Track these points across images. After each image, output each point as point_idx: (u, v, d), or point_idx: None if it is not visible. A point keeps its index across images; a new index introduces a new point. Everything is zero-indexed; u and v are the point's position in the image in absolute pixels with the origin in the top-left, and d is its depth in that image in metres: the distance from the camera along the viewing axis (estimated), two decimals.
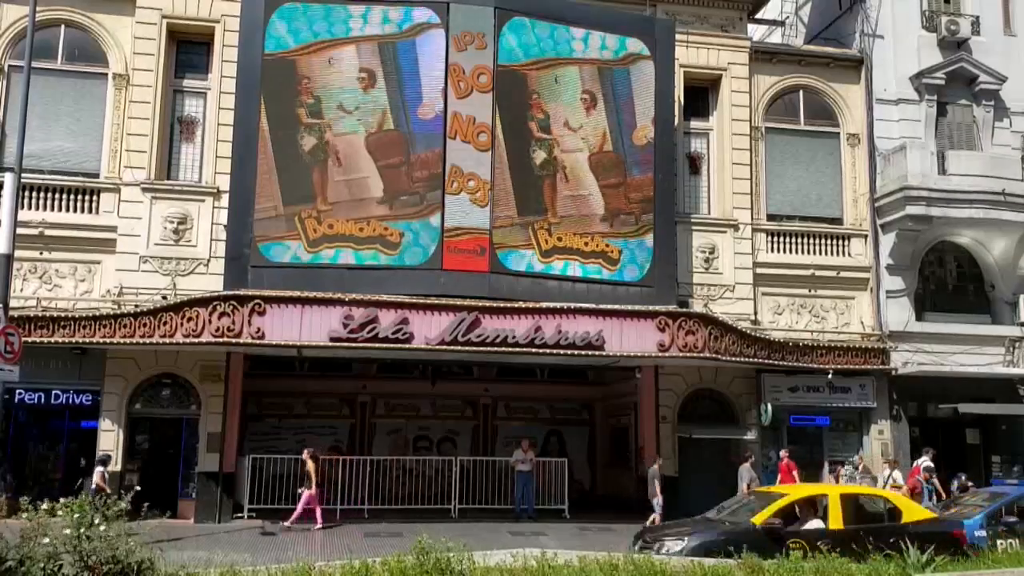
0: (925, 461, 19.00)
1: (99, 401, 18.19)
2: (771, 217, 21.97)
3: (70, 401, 18.38)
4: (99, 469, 16.73)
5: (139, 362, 18.36)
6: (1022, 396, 21.24)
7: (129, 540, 8.27)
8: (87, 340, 17.12)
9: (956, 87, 22.65)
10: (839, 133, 22.75)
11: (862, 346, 21.10)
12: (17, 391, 17.81)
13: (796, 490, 14.68)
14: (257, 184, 17.97)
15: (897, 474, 18.93)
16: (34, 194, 18.43)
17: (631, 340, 17.98)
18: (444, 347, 17.34)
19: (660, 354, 18.16)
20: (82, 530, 8.09)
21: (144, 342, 16.98)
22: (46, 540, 8.08)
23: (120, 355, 18.17)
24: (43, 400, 18.27)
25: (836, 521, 12.81)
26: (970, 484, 18.69)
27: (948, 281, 22.78)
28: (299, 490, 17.77)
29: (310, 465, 17.61)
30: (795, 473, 19.14)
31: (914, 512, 13.54)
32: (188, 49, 19.97)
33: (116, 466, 17.87)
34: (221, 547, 13.63)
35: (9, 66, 18.90)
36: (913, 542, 11.48)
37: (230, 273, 17.69)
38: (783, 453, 19.51)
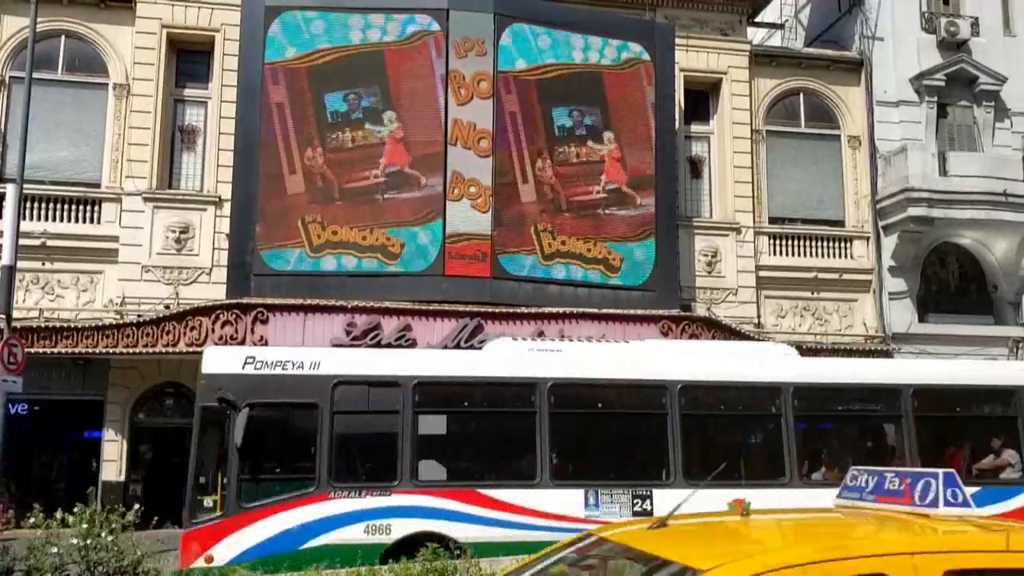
0: None
1: (103, 411, 18.17)
2: (773, 220, 21.98)
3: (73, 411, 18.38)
4: None
5: (142, 372, 18.34)
6: None
7: (136, 550, 8.27)
8: (90, 350, 17.06)
9: (956, 88, 22.65)
10: (840, 135, 22.75)
11: (865, 348, 21.05)
12: (21, 402, 17.77)
13: None
14: (259, 192, 17.98)
15: None
16: (36, 205, 18.43)
17: None
18: None
19: None
20: (89, 540, 8.07)
21: (147, 352, 16.96)
22: (53, 551, 8.06)
23: (123, 365, 18.15)
24: (47, 411, 18.24)
25: None
26: None
27: (950, 282, 22.76)
28: None
29: None
30: None
31: None
32: (188, 58, 19.99)
33: (120, 476, 17.84)
34: None
35: (10, 77, 18.91)
36: None
37: (232, 281, 17.67)
38: None
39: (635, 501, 11.47)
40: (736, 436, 13.08)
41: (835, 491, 11.93)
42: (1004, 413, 13.27)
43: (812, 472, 12.50)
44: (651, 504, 11.44)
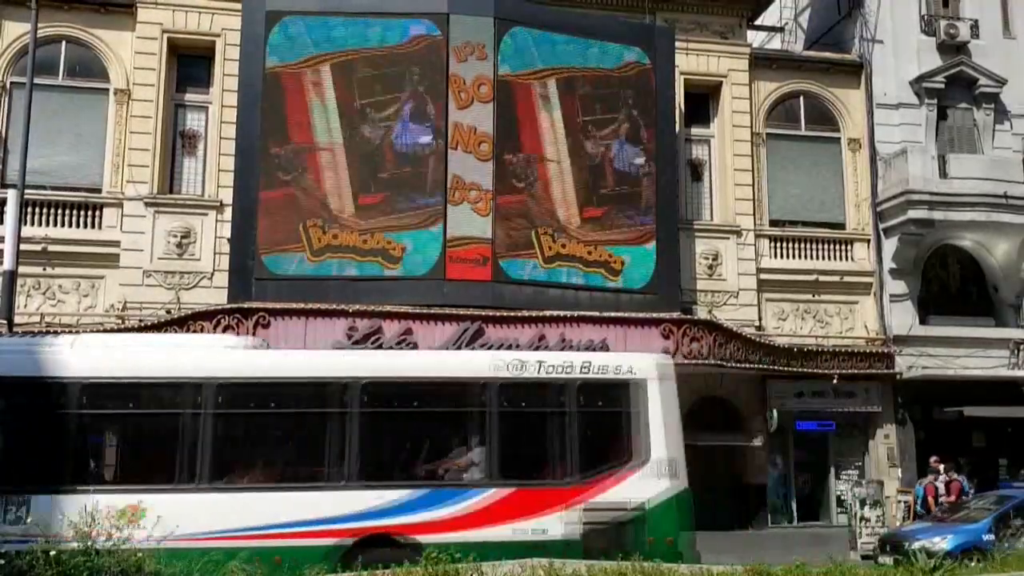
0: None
1: None
2: (773, 223, 21.99)
3: None
4: None
5: None
6: None
7: (138, 552, 8.27)
8: None
9: (956, 91, 22.68)
10: (840, 138, 22.77)
11: (866, 351, 21.07)
12: None
13: None
14: (260, 196, 18.00)
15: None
16: (37, 210, 18.42)
17: (635, 348, 17.93)
18: None
19: None
20: (89, 543, 8.08)
21: None
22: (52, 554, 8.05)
23: None
24: None
25: None
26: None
27: (951, 284, 22.76)
28: None
29: None
30: None
31: None
32: (189, 63, 20.01)
33: None
34: None
35: (11, 83, 18.93)
36: None
37: (234, 286, 17.70)
38: None
39: None
40: (143, 436, 11.90)
41: (245, 496, 11.02)
42: (471, 408, 12.00)
43: (223, 475, 11.34)
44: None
